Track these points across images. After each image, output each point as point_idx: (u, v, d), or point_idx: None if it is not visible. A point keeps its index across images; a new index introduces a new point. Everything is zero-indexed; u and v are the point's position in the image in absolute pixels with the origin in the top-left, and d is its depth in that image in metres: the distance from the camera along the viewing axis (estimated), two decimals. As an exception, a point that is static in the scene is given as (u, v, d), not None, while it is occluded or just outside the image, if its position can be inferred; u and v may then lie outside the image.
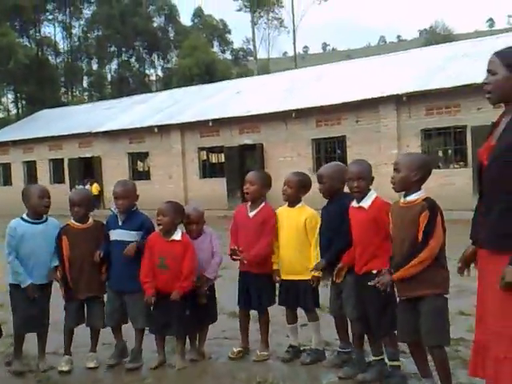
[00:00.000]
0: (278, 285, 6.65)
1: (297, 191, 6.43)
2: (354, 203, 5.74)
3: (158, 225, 6.35)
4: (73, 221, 6.60)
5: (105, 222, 6.72)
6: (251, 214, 6.61)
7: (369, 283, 5.25)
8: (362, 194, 5.66)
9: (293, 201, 6.49)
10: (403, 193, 5.10)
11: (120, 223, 6.55)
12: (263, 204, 6.62)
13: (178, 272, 6.24)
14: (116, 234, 6.53)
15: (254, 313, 6.87)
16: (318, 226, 6.28)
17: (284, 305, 6.62)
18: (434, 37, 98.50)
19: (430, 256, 4.83)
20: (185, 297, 6.30)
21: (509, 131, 3.88)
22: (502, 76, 3.91)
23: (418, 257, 4.83)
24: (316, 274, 6.15)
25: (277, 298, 6.69)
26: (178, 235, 6.35)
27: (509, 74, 3.89)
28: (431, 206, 4.87)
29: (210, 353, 6.80)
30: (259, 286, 6.59)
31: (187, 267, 6.25)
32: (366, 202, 5.65)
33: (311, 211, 6.44)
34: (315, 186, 6.25)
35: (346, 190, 5.99)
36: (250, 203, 6.68)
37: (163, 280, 6.27)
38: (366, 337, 6.02)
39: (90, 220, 6.67)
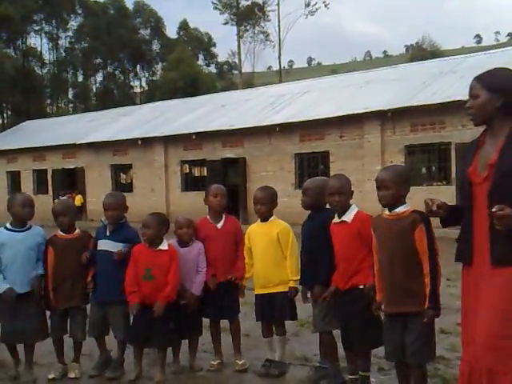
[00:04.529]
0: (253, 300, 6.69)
1: (270, 207, 6.53)
2: (336, 219, 5.69)
3: (143, 236, 6.39)
4: (59, 231, 6.62)
5: (95, 233, 6.78)
6: (219, 225, 6.76)
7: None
8: (342, 208, 5.64)
9: (266, 216, 6.55)
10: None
11: (107, 233, 6.60)
12: (224, 215, 6.82)
13: (163, 282, 6.24)
14: (102, 244, 6.58)
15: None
16: (291, 238, 6.40)
17: (261, 319, 6.62)
18: (421, 52, 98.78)
19: (440, 270, 4.82)
20: (169, 309, 6.29)
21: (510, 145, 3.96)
22: (484, 99, 4.07)
23: (436, 276, 4.77)
24: (293, 285, 6.28)
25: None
26: (164, 245, 6.38)
27: (490, 95, 4.05)
28: (425, 219, 4.76)
29: (199, 365, 6.80)
30: (230, 294, 6.70)
31: (173, 277, 6.27)
32: (349, 216, 5.61)
33: (283, 224, 6.54)
34: (298, 201, 6.23)
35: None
36: (210, 216, 6.86)
37: (148, 291, 6.26)
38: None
39: (77, 230, 6.69)
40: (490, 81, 4.10)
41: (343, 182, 5.74)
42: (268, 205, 6.48)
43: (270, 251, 6.42)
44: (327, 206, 6.01)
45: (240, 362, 6.67)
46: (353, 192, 5.75)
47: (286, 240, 6.38)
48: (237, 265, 6.66)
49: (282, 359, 6.56)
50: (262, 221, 6.60)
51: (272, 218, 6.56)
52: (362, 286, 5.41)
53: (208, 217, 6.86)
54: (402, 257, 4.86)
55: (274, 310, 6.43)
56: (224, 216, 6.80)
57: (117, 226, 6.62)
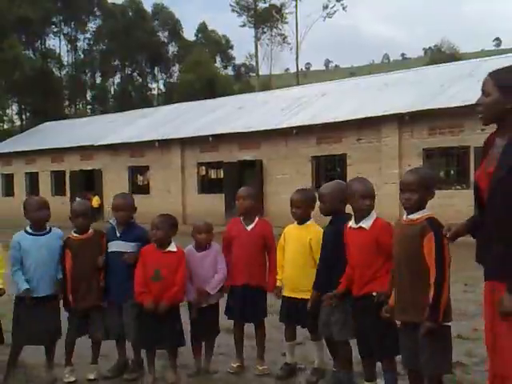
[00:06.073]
0: (280, 301, 6.61)
1: (305, 210, 6.36)
2: (352, 224, 5.46)
3: (152, 237, 6.35)
4: (73, 233, 6.60)
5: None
6: (249, 227, 6.67)
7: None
8: (369, 213, 5.40)
9: (302, 219, 6.41)
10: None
11: (118, 235, 6.59)
12: (257, 218, 6.72)
13: (171, 283, 6.23)
14: (114, 246, 6.57)
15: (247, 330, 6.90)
16: None
17: (285, 321, 6.55)
18: (439, 55, 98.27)
19: (447, 284, 4.52)
20: (176, 310, 6.30)
21: (508, 156, 3.70)
22: (494, 98, 3.79)
23: (441, 289, 4.47)
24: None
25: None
26: (173, 247, 6.37)
27: (500, 96, 3.76)
28: (436, 227, 4.51)
29: (214, 368, 6.75)
30: (256, 299, 6.62)
31: (181, 278, 6.27)
32: (367, 223, 5.37)
33: (318, 230, 6.31)
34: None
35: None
36: (243, 218, 6.75)
37: (156, 291, 6.22)
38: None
39: (90, 230, 6.66)
40: (504, 80, 3.80)
41: (371, 185, 5.55)
42: (303, 208, 6.32)
43: (300, 256, 6.30)
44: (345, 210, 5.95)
45: (260, 368, 6.62)
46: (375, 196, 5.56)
47: (319, 248, 6.14)
48: (269, 274, 6.63)
49: (320, 366, 6.43)
50: (298, 223, 6.47)
51: (308, 222, 6.38)
52: (374, 294, 5.23)
53: (241, 218, 6.78)
54: (407, 265, 4.69)
55: (300, 316, 6.31)
56: (257, 219, 6.73)
57: (126, 226, 6.62)
